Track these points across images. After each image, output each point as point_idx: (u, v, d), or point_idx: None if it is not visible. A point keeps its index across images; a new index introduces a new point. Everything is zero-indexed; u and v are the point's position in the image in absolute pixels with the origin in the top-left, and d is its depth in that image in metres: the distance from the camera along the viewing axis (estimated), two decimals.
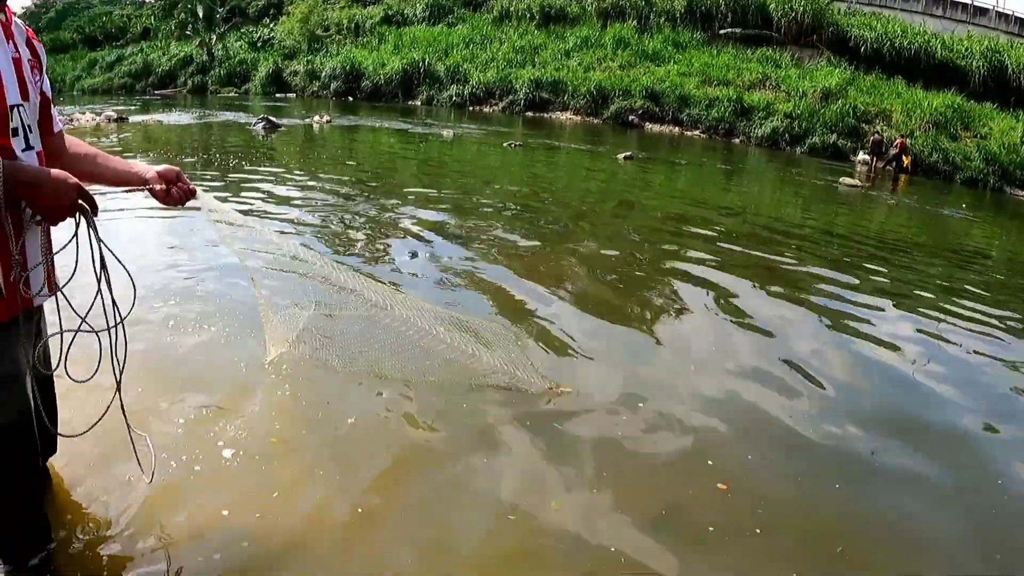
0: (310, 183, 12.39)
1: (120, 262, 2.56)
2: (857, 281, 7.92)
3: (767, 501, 3.45)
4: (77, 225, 2.33)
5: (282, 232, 8.21)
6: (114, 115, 25.09)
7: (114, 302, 2.54)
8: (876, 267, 8.83)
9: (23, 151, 2.23)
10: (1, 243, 2.17)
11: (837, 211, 13.87)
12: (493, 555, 2.99)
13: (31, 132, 2.30)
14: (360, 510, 3.17)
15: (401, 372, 4.47)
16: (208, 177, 12.57)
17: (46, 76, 2.54)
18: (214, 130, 22.98)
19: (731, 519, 3.29)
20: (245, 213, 9.36)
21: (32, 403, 2.41)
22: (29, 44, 2.39)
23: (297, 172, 13.91)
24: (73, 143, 2.78)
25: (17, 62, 2.26)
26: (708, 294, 6.84)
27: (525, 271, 7.16)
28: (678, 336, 5.74)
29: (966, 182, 21.57)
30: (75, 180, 2.20)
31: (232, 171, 13.45)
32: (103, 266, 2.49)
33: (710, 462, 3.77)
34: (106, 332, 2.54)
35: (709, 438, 4.05)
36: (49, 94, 2.56)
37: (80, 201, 2.24)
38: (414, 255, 7.69)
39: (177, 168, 2.79)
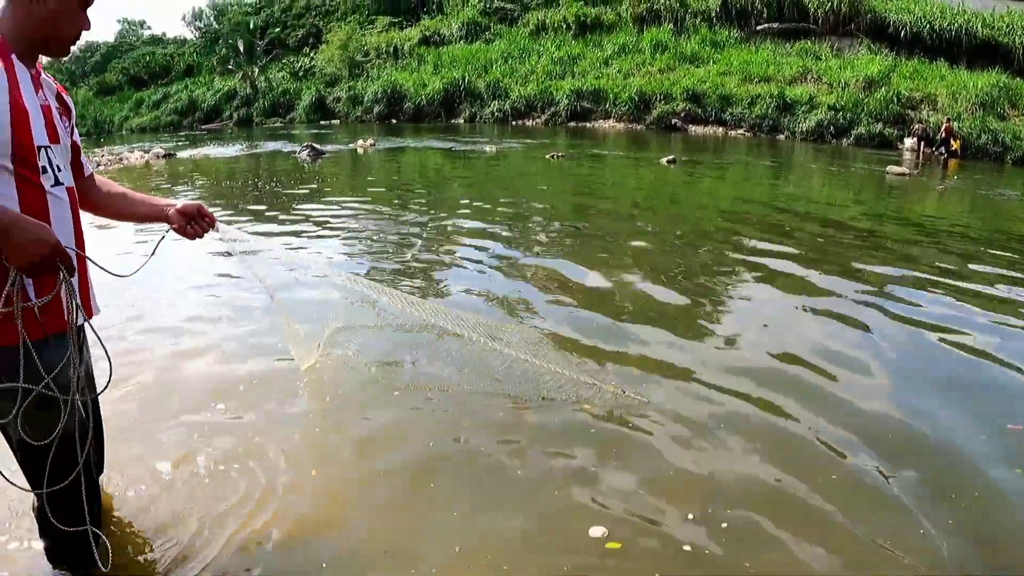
0: (356, 205, 12.96)
1: (93, 329, 2.71)
2: (916, 272, 7.80)
3: None
4: (60, 283, 2.45)
5: (330, 255, 8.63)
6: (162, 152, 26.15)
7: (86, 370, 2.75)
8: (940, 254, 8.75)
9: (52, 186, 2.50)
10: None
11: (888, 200, 13.99)
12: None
13: (60, 171, 2.56)
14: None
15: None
16: (256, 205, 13.30)
17: (76, 127, 2.90)
18: (260, 160, 23.92)
19: None
20: (295, 235, 9.80)
21: (62, 423, 2.53)
22: (58, 97, 2.72)
23: (343, 195, 14.58)
24: (103, 183, 3.14)
25: (46, 109, 2.55)
26: (770, 293, 6.93)
27: (581, 276, 7.43)
28: (747, 338, 5.69)
29: (1018, 162, 20.98)
30: (54, 239, 2.30)
31: (279, 198, 14.21)
32: (78, 329, 2.65)
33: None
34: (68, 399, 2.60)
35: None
36: (79, 142, 2.91)
37: (58, 260, 2.34)
38: (466, 266, 8.09)
39: (198, 203, 3.12)
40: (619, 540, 3.15)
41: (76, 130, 2.90)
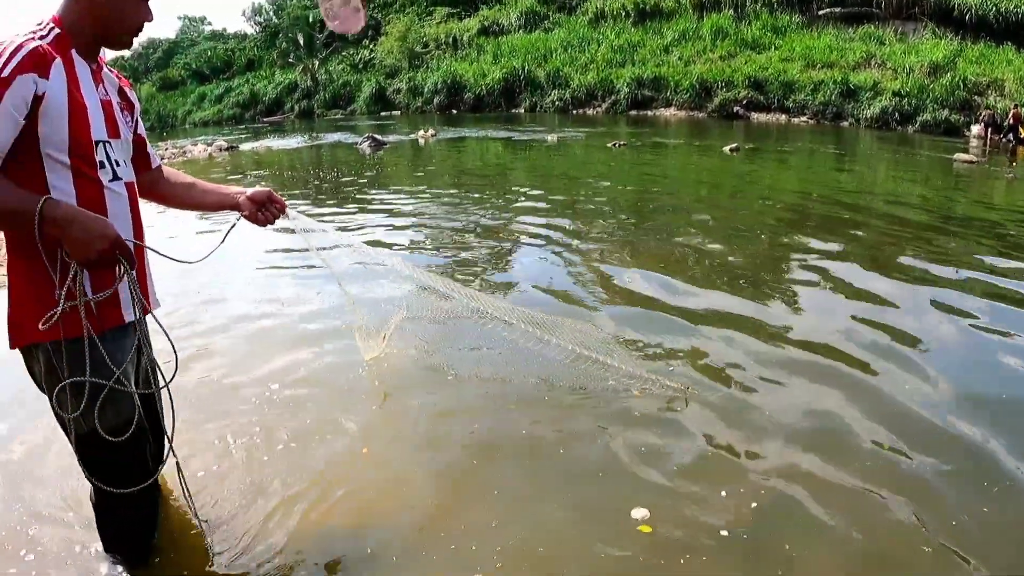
0: (420, 194, 13.11)
1: (160, 324, 2.75)
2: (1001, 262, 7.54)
3: None
4: (119, 278, 2.50)
5: (393, 244, 8.84)
6: (225, 144, 26.69)
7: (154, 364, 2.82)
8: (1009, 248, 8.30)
9: (110, 181, 2.52)
10: (42, 270, 2.38)
11: (955, 189, 13.54)
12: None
13: (119, 166, 2.58)
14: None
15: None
16: (319, 195, 13.74)
17: (140, 120, 2.92)
18: (321, 151, 24.36)
19: None
20: (358, 224, 9.94)
21: (124, 414, 2.60)
22: (120, 92, 2.74)
23: (404, 185, 14.77)
24: (172, 174, 3.19)
25: (107, 104, 2.56)
26: (837, 284, 6.74)
27: (643, 268, 7.38)
28: (813, 331, 5.54)
29: None
30: (114, 233, 2.35)
31: (341, 188, 14.53)
32: (141, 321, 2.73)
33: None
34: (153, 392, 2.76)
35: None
36: (144, 135, 2.94)
37: (118, 253, 2.38)
38: (528, 256, 8.16)
39: (268, 190, 3.17)
40: (652, 524, 3.20)
41: (141, 123, 2.93)
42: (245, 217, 3.16)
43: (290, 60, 54.03)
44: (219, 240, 3.14)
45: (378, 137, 24.07)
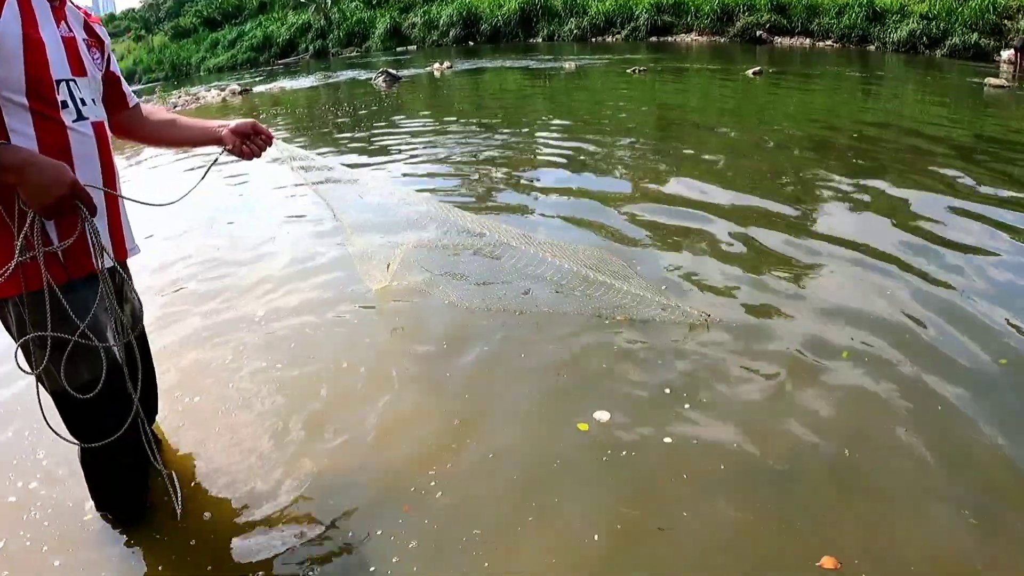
0: (433, 126, 13.13)
1: (122, 270, 2.73)
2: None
3: None
4: (81, 224, 2.41)
5: (405, 173, 8.83)
6: (238, 88, 26.73)
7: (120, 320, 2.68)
8: None
9: (74, 121, 2.43)
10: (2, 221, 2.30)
11: (985, 115, 12.88)
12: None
13: (85, 105, 2.49)
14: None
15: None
16: (334, 132, 13.53)
17: (113, 56, 2.83)
18: (336, 89, 24.23)
19: None
20: (372, 156, 9.81)
21: (106, 367, 2.53)
22: (88, 27, 2.64)
23: (423, 117, 14.77)
24: (151, 111, 3.09)
25: (69, 41, 2.46)
26: (866, 214, 6.49)
27: (663, 197, 7.23)
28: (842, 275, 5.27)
29: None
30: (70, 177, 2.27)
31: (357, 124, 14.38)
32: (111, 271, 2.66)
33: None
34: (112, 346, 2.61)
35: None
36: (118, 72, 2.87)
37: (77, 200, 2.32)
38: (547, 185, 7.99)
39: (251, 121, 3.04)
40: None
41: (114, 61, 2.85)
42: (229, 151, 3.04)
43: (302, 0, 53.54)
44: (199, 177, 3.08)
45: (393, 72, 23.87)
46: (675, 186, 7.05)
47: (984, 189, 7.11)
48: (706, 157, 8.57)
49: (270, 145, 3.12)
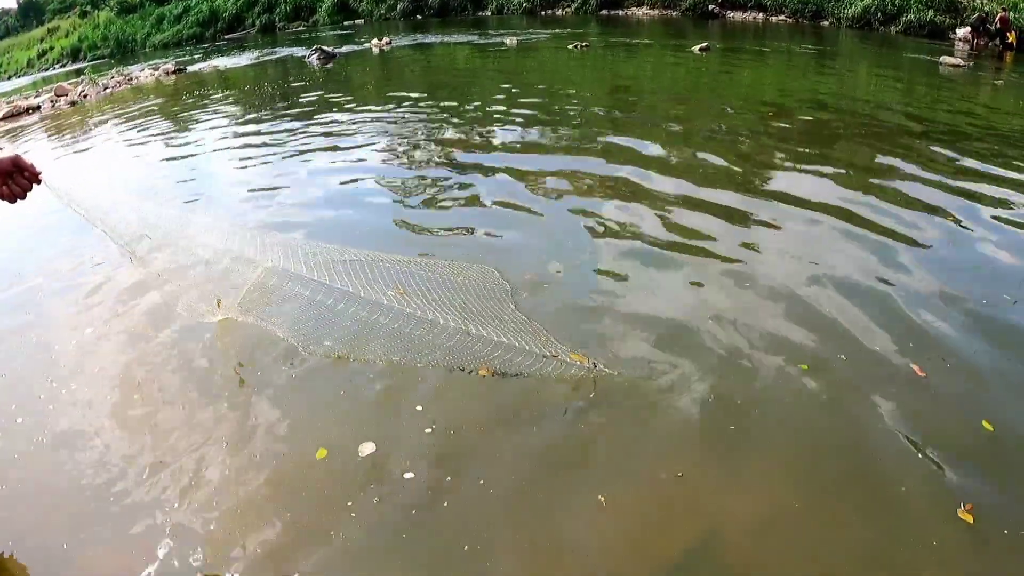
0: (360, 109, 12.69)
1: None
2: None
3: None
4: None
5: (318, 165, 8.75)
6: (172, 68, 26.18)
7: None
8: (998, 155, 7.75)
9: None
10: None
11: (939, 94, 12.63)
12: None
13: None
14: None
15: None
16: (257, 117, 13.02)
17: None
18: (268, 69, 23.71)
19: None
20: (286, 142, 9.43)
21: None
22: None
23: (347, 98, 14.25)
24: None
25: None
26: (811, 199, 6.25)
27: (594, 185, 7.00)
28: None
29: None
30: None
31: (277, 107, 13.93)
32: None
33: None
34: None
35: None
36: None
37: None
38: (468, 174, 7.72)
39: (14, 155, 2.42)
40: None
41: None
42: None
43: None
44: None
45: (327, 49, 23.39)
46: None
47: (927, 174, 6.92)
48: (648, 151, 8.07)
49: (37, 183, 2.46)
